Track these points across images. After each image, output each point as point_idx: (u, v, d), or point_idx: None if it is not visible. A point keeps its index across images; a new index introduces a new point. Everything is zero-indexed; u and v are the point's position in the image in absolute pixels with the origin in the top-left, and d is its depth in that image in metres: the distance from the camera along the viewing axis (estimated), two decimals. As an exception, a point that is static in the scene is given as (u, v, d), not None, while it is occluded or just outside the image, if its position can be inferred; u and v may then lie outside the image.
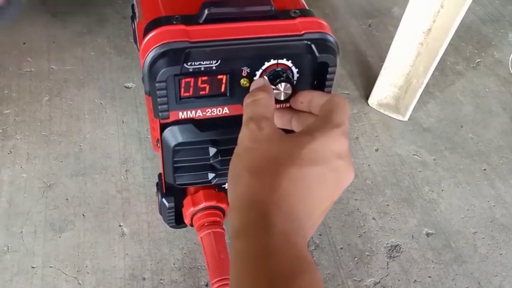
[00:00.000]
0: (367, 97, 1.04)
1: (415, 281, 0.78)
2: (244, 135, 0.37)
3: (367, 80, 1.08)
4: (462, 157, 0.99)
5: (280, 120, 0.48)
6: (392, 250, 0.81)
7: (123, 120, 0.94)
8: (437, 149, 0.99)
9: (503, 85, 1.16)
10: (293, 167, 0.33)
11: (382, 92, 1.01)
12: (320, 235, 0.81)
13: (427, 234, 0.84)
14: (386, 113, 1.02)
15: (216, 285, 0.62)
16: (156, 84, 0.51)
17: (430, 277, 0.79)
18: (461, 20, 0.84)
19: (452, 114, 1.07)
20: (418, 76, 0.94)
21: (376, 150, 0.96)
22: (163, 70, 0.50)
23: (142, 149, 0.89)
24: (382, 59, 0.99)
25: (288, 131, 0.44)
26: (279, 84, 0.56)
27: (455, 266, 0.81)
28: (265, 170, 0.34)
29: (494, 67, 1.21)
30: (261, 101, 0.40)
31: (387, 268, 0.79)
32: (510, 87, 1.16)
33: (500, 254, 0.83)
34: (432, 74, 1.14)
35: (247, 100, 0.41)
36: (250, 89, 0.44)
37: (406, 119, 1.02)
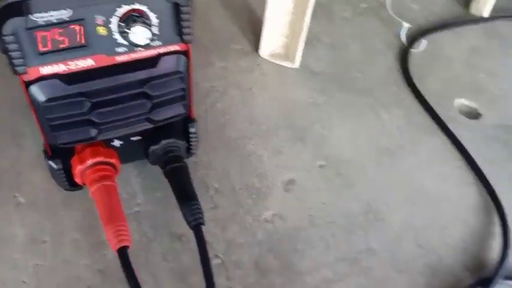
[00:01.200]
0: (259, 49, 1.09)
1: (310, 208, 0.84)
2: None
3: (259, 33, 1.12)
4: (351, 95, 1.06)
5: None
6: (288, 184, 0.87)
7: (9, 92, 0.92)
8: (327, 90, 1.05)
9: (387, 26, 1.25)
10: None
11: (271, 42, 1.06)
12: (219, 181, 0.85)
13: (320, 166, 0.91)
14: (278, 62, 1.07)
15: (110, 231, 0.64)
16: (4, 38, 0.52)
17: (324, 203, 0.85)
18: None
19: (341, 57, 1.14)
20: (300, 22, 1.00)
21: (270, 97, 1.01)
22: (6, 23, 0.51)
23: (33, 120, 0.88)
24: (268, 11, 1.04)
25: None
26: (135, 27, 0.58)
27: (347, 191, 0.88)
28: None
29: (379, 11, 1.29)
30: None
31: (284, 200, 0.84)
32: (393, 28, 1.24)
33: (386, 176, 0.92)
34: (320, 22, 1.21)
35: None
36: None
37: (297, 66, 1.07)
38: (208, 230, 0.77)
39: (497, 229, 0.86)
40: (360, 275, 0.77)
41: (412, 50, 1.20)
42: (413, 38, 1.24)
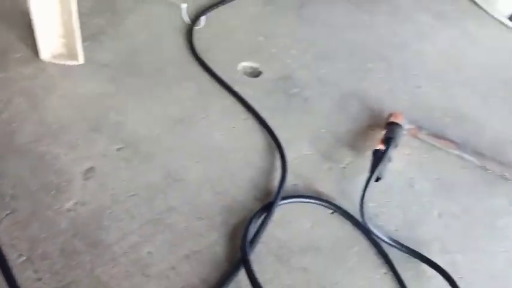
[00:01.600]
0: (39, 54, 1.10)
1: (112, 188, 0.91)
2: None
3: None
4: (142, 78, 1.14)
5: None
6: (87, 173, 0.92)
7: None
8: (117, 79, 1.12)
9: (171, 10, 1.34)
10: None
11: (49, 45, 1.08)
12: (14, 186, 0.87)
13: (117, 150, 0.97)
14: (61, 62, 1.10)
15: None
16: None
17: (124, 181, 0.92)
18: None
19: (129, 45, 1.21)
20: (70, 20, 1.03)
21: (59, 97, 1.04)
22: None
23: None
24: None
25: None
26: None
27: (145, 165, 0.96)
28: None
29: (160, -3, 1.38)
30: None
31: (84, 188, 0.89)
32: (177, 11, 1.34)
33: (181, 143, 1.02)
34: (104, 15, 1.26)
35: None
36: None
37: (81, 61, 1.11)
38: (9, 234, 0.80)
39: (279, 163, 1.02)
40: (164, 231, 0.86)
41: (196, 28, 1.32)
42: (197, 16, 1.36)
